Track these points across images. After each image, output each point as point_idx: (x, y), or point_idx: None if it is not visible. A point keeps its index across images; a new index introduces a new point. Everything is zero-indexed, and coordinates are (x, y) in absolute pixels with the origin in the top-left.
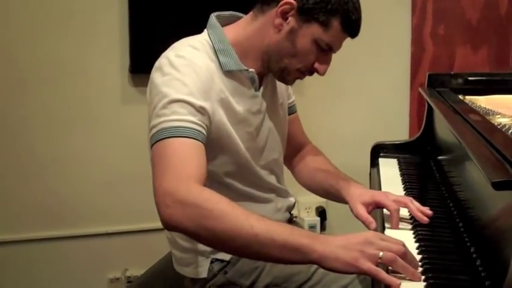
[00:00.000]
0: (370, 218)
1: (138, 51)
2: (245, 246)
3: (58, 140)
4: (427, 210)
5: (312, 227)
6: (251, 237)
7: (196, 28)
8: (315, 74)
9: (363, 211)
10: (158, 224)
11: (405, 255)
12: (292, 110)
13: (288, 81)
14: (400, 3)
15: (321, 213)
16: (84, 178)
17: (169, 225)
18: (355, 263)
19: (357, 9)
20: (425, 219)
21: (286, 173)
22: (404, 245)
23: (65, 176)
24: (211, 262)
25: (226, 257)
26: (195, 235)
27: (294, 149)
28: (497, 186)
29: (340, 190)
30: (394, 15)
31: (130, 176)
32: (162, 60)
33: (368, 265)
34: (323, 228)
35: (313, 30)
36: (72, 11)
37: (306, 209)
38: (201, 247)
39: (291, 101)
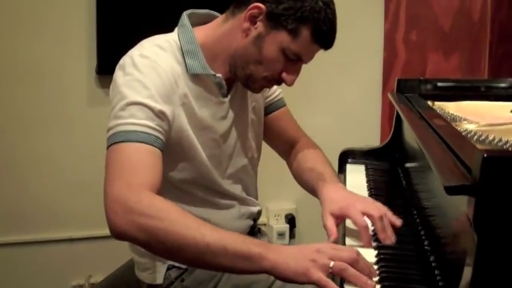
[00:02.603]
0: (332, 230)
1: (105, 52)
2: (197, 256)
3: (18, 141)
4: (392, 236)
5: (281, 235)
6: (203, 246)
7: (164, 30)
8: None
9: (330, 221)
10: None
11: (357, 262)
12: (278, 105)
13: (254, 89)
14: (372, 8)
15: (290, 220)
16: (47, 182)
17: (116, 234)
18: (306, 272)
19: (330, 20)
20: (389, 241)
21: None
22: (357, 253)
23: (26, 179)
24: (168, 269)
25: None
26: (145, 245)
27: (287, 144)
28: (450, 190)
29: (318, 193)
30: (366, 19)
31: (93, 180)
32: (126, 59)
33: (318, 275)
34: (292, 235)
35: (281, 37)
36: (40, 12)
37: (275, 216)
38: None
39: (273, 96)
